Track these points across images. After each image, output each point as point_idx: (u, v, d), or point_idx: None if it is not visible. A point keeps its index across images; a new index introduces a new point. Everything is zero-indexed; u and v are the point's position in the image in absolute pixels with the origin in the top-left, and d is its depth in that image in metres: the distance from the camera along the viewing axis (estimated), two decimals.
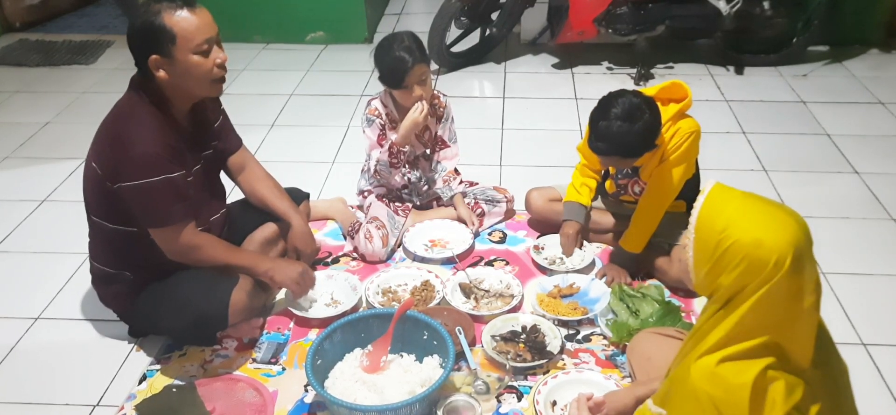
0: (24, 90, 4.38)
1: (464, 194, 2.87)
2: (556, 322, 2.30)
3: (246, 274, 2.24)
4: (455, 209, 2.84)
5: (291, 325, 2.37)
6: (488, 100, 4.18)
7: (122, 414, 2.06)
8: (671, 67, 4.44)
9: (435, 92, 2.82)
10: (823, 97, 4.05)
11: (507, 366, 2.11)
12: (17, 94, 4.33)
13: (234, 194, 2.58)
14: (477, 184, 2.94)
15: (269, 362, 2.22)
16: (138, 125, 2.01)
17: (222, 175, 2.44)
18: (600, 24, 4.22)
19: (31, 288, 2.60)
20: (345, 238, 2.81)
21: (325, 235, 2.84)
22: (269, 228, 2.48)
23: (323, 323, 2.32)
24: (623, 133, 2.24)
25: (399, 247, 2.75)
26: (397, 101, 2.70)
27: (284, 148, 3.60)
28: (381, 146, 2.71)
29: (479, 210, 2.83)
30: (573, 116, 3.86)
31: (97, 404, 2.11)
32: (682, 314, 2.28)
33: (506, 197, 2.89)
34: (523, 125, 3.80)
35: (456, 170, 2.90)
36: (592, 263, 2.63)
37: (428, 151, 2.85)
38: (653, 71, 4.36)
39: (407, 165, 2.79)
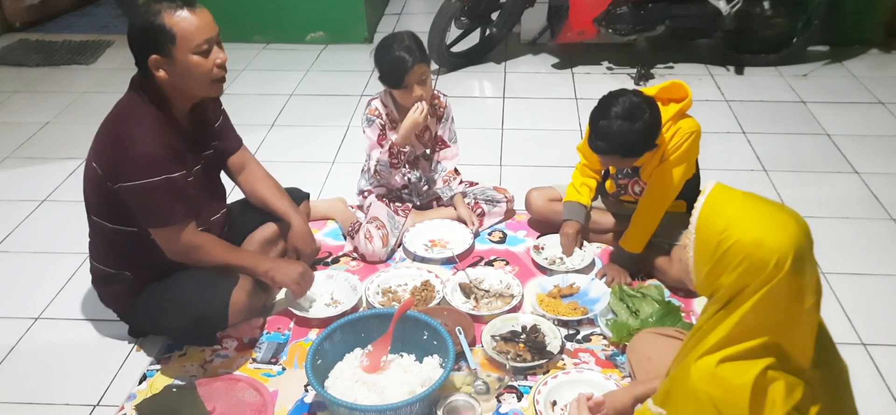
0: (24, 90, 4.38)
1: (464, 194, 2.87)
2: (556, 322, 2.30)
3: (246, 274, 2.24)
4: (455, 209, 2.84)
5: (291, 325, 2.37)
6: (488, 100, 4.18)
7: (122, 414, 2.06)
8: (671, 67, 4.44)
9: (435, 92, 2.82)
10: (823, 97, 4.05)
11: (507, 366, 2.11)
12: (17, 94, 4.33)
13: (234, 194, 2.58)
14: (477, 184, 2.94)
15: (269, 362, 2.22)
16: (139, 125, 2.01)
17: (223, 175, 2.44)
18: (600, 24, 4.22)
19: (31, 288, 2.60)
20: (345, 238, 2.81)
21: (325, 235, 2.84)
22: (269, 228, 2.48)
23: (323, 323, 2.32)
24: (623, 132, 2.24)
25: (399, 247, 2.75)
26: (397, 101, 2.70)
27: (284, 148, 3.61)
28: (381, 146, 2.71)
29: (479, 210, 2.83)
30: (573, 116, 3.86)
31: (97, 404, 2.11)
32: (682, 314, 2.28)
33: (506, 197, 2.89)
34: (523, 125, 3.80)
35: (456, 170, 2.90)
36: (592, 263, 2.63)
37: (428, 151, 2.85)
38: (653, 71, 4.36)
39: (407, 165, 2.79)
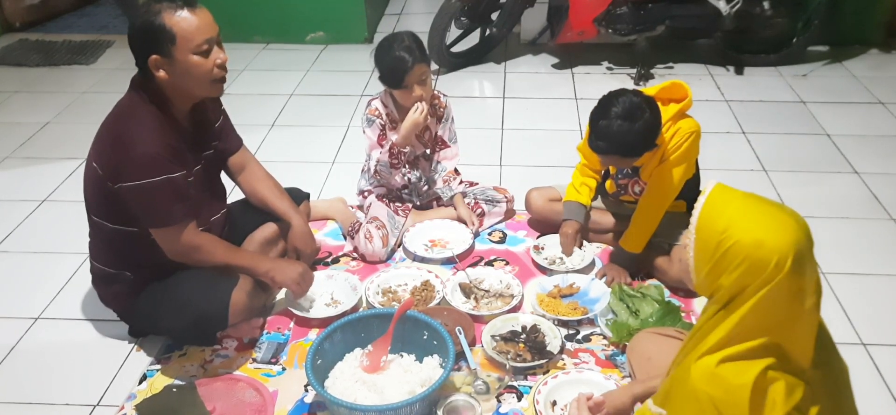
0: (24, 90, 4.38)
1: (464, 194, 2.87)
2: (556, 322, 2.30)
3: (246, 274, 2.24)
4: (455, 209, 2.84)
5: (291, 325, 2.37)
6: (488, 100, 4.18)
7: (122, 414, 2.06)
8: (671, 67, 4.44)
9: (435, 92, 2.82)
10: (823, 97, 4.05)
11: (507, 366, 2.11)
12: (17, 94, 4.33)
13: (234, 194, 2.58)
14: (477, 184, 2.94)
15: (269, 362, 2.22)
16: (139, 125, 2.01)
17: (223, 175, 2.44)
18: (600, 24, 4.22)
19: (31, 288, 2.60)
20: (345, 238, 2.81)
21: (325, 235, 2.84)
22: (269, 228, 2.48)
23: (323, 323, 2.32)
24: (623, 132, 2.24)
25: (399, 247, 2.75)
26: (397, 101, 2.70)
27: (284, 148, 3.61)
28: (382, 146, 2.71)
29: (479, 210, 2.83)
30: (573, 116, 3.86)
31: (97, 404, 2.11)
32: (682, 314, 2.28)
33: (506, 197, 2.89)
34: (523, 125, 3.80)
35: (456, 170, 2.90)
36: (592, 263, 2.63)
37: (428, 151, 2.85)
38: (653, 71, 4.36)
39: (407, 166, 2.79)
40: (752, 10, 4.21)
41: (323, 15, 4.96)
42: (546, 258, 2.63)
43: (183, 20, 1.97)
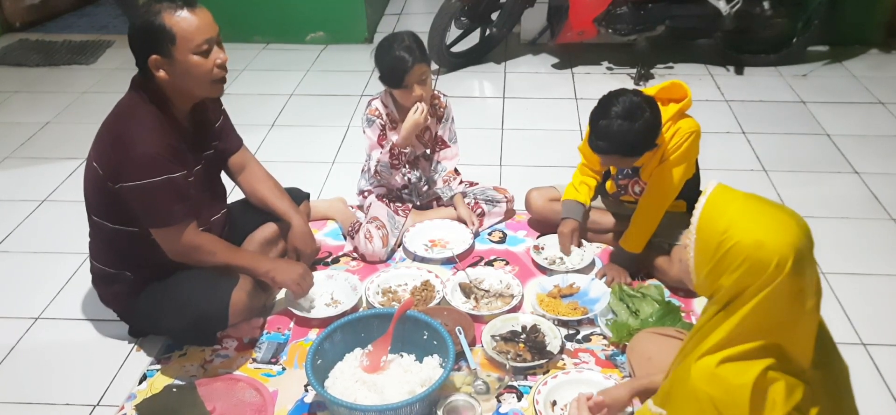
0: (24, 90, 4.38)
1: (464, 194, 2.87)
2: (556, 322, 2.30)
3: (246, 274, 2.24)
4: (455, 209, 2.84)
5: (291, 325, 2.37)
6: (488, 100, 4.18)
7: (122, 414, 2.06)
8: (671, 67, 4.44)
9: (435, 92, 2.82)
10: (823, 97, 4.05)
11: (507, 366, 2.11)
12: (17, 94, 4.33)
13: (234, 194, 2.58)
14: (477, 184, 2.94)
15: (269, 362, 2.22)
16: (139, 125, 2.01)
17: (223, 175, 2.44)
18: (600, 24, 4.22)
19: (31, 288, 2.60)
20: (345, 238, 2.81)
21: (325, 235, 2.84)
22: (269, 228, 2.48)
23: (323, 323, 2.32)
24: (624, 131, 2.24)
25: (399, 247, 2.75)
26: (397, 101, 2.70)
27: (284, 148, 3.61)
28: (382, 147, 2.71)
29: (479, 210, 2.83)
30: (573, 116, 3.86)
31: (97, 404, 2.11)
32: (682, 314, 2.28)
33: (506, 197, 2.89)
34: (523, 125, 3.80)
35: (456, 170, 2.90)
36: (592, 263, 2.63)
37: (428, 151, 2.85)
38: (653, 71, 4.36)
39: (407, 166, 2.79)
40: (752, 10, 4.21)
41: (323, 15, 4.96)
42: (546, 258, 2.63)
43: (183, 20, 1.97)
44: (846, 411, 1.45)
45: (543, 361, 2.13)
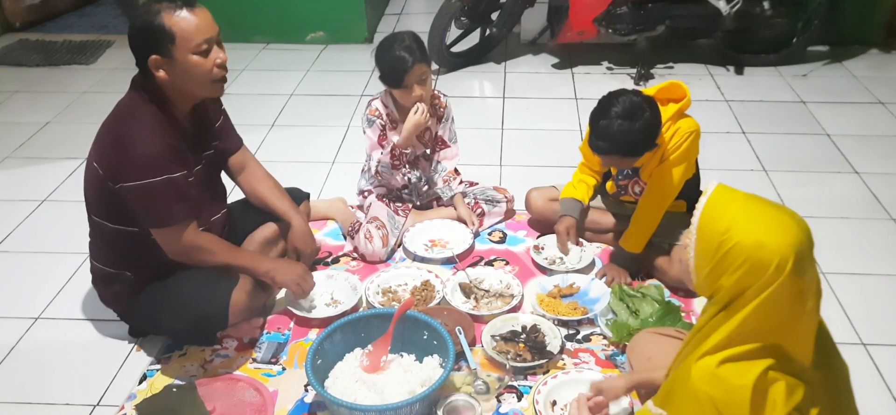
0: (24, 90, 4.38)
1: (464, 194, 2.87)
2: (556, 322, 2.30)
3: (246, 274, 2.24)
4: (455, 209, 2.84)
5: (291, 325, 2.37)
6: (488, 100, 4.18)
7: (123, 414, 2.06)
8: (671, 67, 4.44)
9: (435, 92, 2.82)
10: (823, 97, 4.05)
11: (507, 366, 2.11)
12: (17, 94, 4.33)
13: (234, 194, 2.58)
14: (477, 184, 2.94)
15: (270, 362, 2.22)
16: (139, 125, 2.01)
17: (223, 175, 2.44)
18: (600, 24, 4.22)
19: (31, 288, 2.60)
20: (345, 238, 2.81)
21: (325, 235, 2.84)
22: (269, 228, 2.48)
23: (323, 323, 2.32)
24: (624, 131, 2.24)
25: (399, 247, 2.75)
26: (397, 100, 2.70)
27: (284, 148, 3.61)
28: (382, 147, 2.71)
29: (479, 210, 2.83)
30: (573, 116, 3.86)
31: (97, 404, 2.11)
32: (682, 314, 2.28)
33: (506, 197, 2.89)
34: (523, 125, 3.80)
35: (456, 170, 2.90)
36: (592, 263, 2.63)
37: (428, 151, 2.85)
38: (653, 71, 4.36)
39: (407, 166, 2.79)
40: (752, 10, 4.21)
41: (323, 15, 4.96)
42: (546, 258, 2.63)
43: (182, 20, 1.97)
44: (846, 411, 1.45)
45: (543, 361, 2.13)
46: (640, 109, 2.24)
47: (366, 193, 2.88)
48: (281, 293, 2.46)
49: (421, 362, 2.09)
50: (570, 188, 2.67)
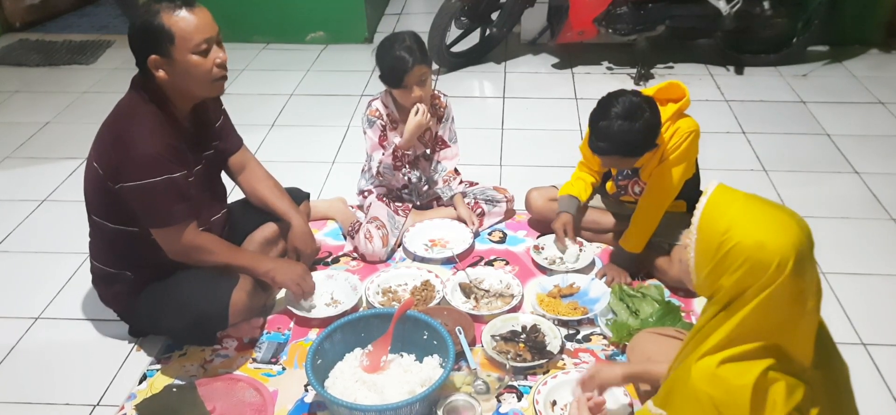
0: (24, 90, 4.38)
1: (464, 194, 2.87)
2: (556, 322, 2.30)
3: (247, 274, 2.24)
4: (455, 209, 2.84)
5: (291, 325, 2.37)
6: (488, 100, 4.18)
7: (123, 414, 2.06)
8: (671, 67, 4.44)
9: (435, 92, 2.82)
10: (823, 97, 4.05)
11: (507, 366, 2.11)
12: (17, 94, 4.33)
13: (234, 194, 2.58)
14: (477, 184, 2.94)
15: (270, 362, 2.22)
16: (139, 125, 2.01)
17: (223, 175, 2.44)
18: (600, 24, 4.22)
19: (31, 288, 2.60)
20: (345, 238, 2.81)
21: (325, 235, 2.84)
22: (269, 228, 2.48)
23: (323, 323, 2.32)
24: (624, 132, 2.24)
25: (399, 247, 2.75)
26: (397, 101, 2.70)
27: (284, 148, 3.61)
28: (383, 147, 2.72)
29: (479, 210, 2.83)
30: (573, 116, 3.86)
31: (97, 404, 2.11)
32: (682, 314, 2.28)
33: (506, 197, 2.89)
34: (523, 125, 3.80)
35: (456, 170, 2.89)
36: (592, 263, 2.63)
37: (428, 151, 2.85)
38: (653, 71, 4.36)
39: (407, 166, 2.79)
40: (752, 10, 4.21)
41: (323, 15, 4.96)
42: (546, 258, 2.63)
43: (181, 20, 1.96)
44: (846, 411, 1.45)
45: (543, 361, 2.13)
46: (640, 109, 2.24)
47: (366, 193, 2.88)
48: (281, 293, 2.46)
49: (421, 362, 2.09)
50: (568, 186, 2.67)
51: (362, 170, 2.90)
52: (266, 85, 4.38)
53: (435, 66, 4.34)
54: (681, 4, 4.22)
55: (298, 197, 2.65)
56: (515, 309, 2.39)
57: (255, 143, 3.47)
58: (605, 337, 2.27)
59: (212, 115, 2.31)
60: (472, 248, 2.73)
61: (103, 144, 2.07)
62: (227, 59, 2.08)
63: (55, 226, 2.98)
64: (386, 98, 2.75)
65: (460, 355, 2.14)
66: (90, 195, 2.16)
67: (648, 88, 2.42)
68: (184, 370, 2.19)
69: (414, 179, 2.83)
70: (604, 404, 1.75)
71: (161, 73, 2.01)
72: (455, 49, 4.54)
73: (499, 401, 2.04)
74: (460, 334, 2.18)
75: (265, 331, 2.34)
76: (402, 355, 2.11)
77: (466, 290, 2.47)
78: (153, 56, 1.98)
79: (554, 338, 2.21)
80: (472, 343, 2.19)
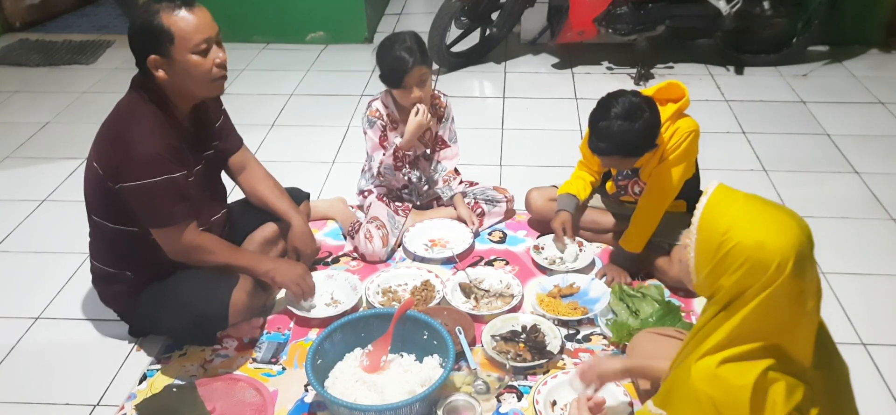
0: (24, 90, 4.38)
1: (464, 194, 2.87)
2: (556, 322, 2.30)
3: (247, 274, 2.24)
4: (455, 209, 2.84)
5: (291, 325, 2.37)
6: (488, 100, 4.18)
7: (123, 414, 2.06)
8: (671, 67, 4.44)
9: (435, 92, 2.82)
10: (823, 97, 4.05)
11: (507, 366, 2.11)
12: (17, 94, 4.33)
13: (234, 194, 2.58)
14: (477, 184, 2.94)
15: (270, 362, 2.22)
16: (139, 125, 2.01)
17: (223, 175, 2.44)
18: (600, 24, 4.22)
19: (31, 288, 2.60)
20: (345, 238, 2.81)
21: (325, 235, 2.84)
22: (269, 228, 2.48)
23: (323, 323, 2.32)
24: (624, 132, 2.24)
25: (399, 247, 2.75)
26: (397, 101, 2.70)
27: (284, 148, 3.61)
28: (383, 147, 2.72)
29: (479, 210, 2.83)
30: (573, 116, 3.86)
31: (97, 404, 2.11)
32: (682, 314, 2.28)
33: (506, 197, 2.89)
34: (523, 125, 3.80)
35: (456, 170, 2.90)
36: (592, 263, 2.63)
37: (428, 151, 2.85)
38: (653, 71, 4.36)
39: (408, 166, 2.79)
40: (752, 10, 4.21)
41: (323, 15, 4.96)
42: (546, 258, 2.63)
43: (181, 20, 1.96)
44: (846, 411, 1.45)
45: (543, 361, 2.13)
46: (640, 109, 2.24)
47: (366, 193, 2.88)
48: (281, 293, 2.46)
49: (421, 362, 2.09)
50: (567, 185, 2.67)
51: (362, 170, 2.90)
52: (266, 85, 4.38)
53: (435, 67, 4.34)
54: (681, 4, 4.22)
55: (298, 197, 2.65)
56: (515, 309, 2.39)
57: (255, 143, 3.47)
58: (605, 337, 2.27)
59: (212, 115, 2.31)
60: (472, 248, 2.73)
61: (103, 144, 2.07)
62: (226, 59, 2.08)
63: (55, 226, 2.98)
64: (386, 98, 2.75)
65: (460, 355, 2.14)
66: (90, 195, 2.16)
67: (648, 88, 2.42)
68: (184, 370, 2.19)
69: (414, 179, 2.83)
70: (604, 403, 1.75)
71: (161, 73, 2.01)
72: (455, 49, 4.54)
73: (499, 401, 2.04)
74: (460, 334, 2.18)
75: (265, 331, 2.34)
76: (402, 355, 2.11)
77: (466, 290, 2.47)
78: (153, 56, 1.98)
79: (554, 338, 2.21)
80: (472, 343, 2.19)
